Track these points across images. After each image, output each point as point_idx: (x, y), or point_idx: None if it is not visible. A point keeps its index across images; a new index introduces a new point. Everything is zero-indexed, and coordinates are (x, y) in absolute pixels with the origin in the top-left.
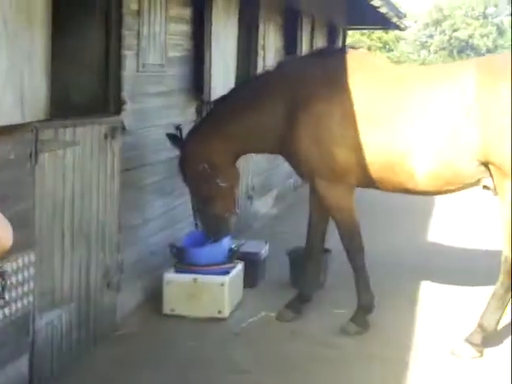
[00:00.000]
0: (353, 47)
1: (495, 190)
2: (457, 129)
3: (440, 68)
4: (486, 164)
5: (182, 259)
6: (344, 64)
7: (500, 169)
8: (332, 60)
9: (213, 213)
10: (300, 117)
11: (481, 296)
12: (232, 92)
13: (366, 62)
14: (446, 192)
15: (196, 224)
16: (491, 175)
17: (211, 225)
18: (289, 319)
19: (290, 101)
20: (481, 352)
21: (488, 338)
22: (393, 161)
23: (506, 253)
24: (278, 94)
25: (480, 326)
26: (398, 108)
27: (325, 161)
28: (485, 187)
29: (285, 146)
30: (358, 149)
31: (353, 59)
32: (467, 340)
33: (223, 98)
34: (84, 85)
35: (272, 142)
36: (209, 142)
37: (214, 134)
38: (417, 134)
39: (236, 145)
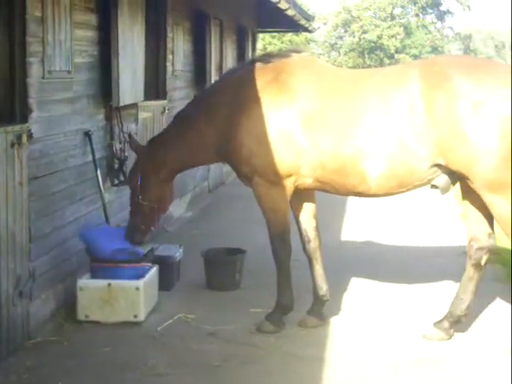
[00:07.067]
0: (296, 51)
1: (443, 189)
2: (407, 131)
3: (386, 71)
4: (437, 164)
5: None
6: (289, 67)
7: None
8: (276, 64)
9: (134, 221)
10: (244, 118)
11: (395, 291)
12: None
13: (312, 65)
14: (397, 193)
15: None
16: (445, 173)
17: (129, 229)
18: (314, 325)
19: (233, 107)
20: (450, 335)
21: (457, 324)
22: (344, 163)
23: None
24: (221, 103)
25: (450, 312)
26: (346, 110)
27: (269, 160)
28: (433, 186)
29: (226, 149)
30: (306, 151)
31: (298, 63)
32: (436, 325)
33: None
34: None
35: (212, 151)
36: (157, 157)
37: (164, 150)
38: (367, 136)
39: (180, 162)
